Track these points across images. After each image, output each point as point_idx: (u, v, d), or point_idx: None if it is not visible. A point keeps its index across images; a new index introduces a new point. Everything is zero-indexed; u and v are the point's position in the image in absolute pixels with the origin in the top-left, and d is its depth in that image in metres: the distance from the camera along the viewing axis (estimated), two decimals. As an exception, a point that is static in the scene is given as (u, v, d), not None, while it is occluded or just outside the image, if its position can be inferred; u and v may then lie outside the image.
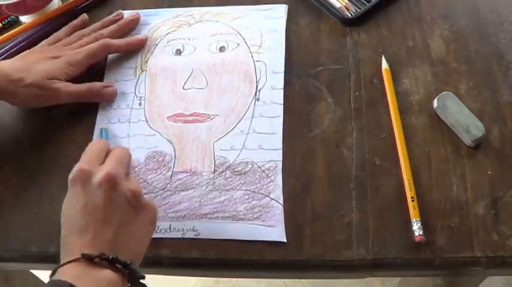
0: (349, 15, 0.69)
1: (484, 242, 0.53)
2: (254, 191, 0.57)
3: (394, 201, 0.56)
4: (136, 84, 0.66)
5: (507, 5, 0.69)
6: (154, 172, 0.59)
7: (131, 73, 0.67)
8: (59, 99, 0.62)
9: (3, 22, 0.72)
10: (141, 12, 0.72)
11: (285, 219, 0.55)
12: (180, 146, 0.61)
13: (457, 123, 0.59)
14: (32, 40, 0.69)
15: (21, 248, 0.56)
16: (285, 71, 0.64)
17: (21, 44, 0.69)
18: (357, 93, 0.63)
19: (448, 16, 0.69)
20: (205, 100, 0.63)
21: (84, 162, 0.49)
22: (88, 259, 0.44)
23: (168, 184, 0.58)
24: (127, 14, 0.71)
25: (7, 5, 0.66)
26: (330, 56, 0.66)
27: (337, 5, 0.70)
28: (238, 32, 0.68)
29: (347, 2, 0.70)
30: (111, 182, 0.47)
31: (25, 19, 0.72)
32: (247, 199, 0.56)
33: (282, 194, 0.56)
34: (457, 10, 0.69)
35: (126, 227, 0.47)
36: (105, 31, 0.67)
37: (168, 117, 0.63)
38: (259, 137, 0.60)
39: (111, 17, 0.70)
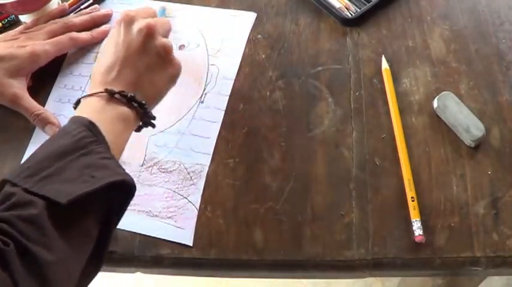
0: (349, 15, 0.69)
1: (484, 242, 0.53)
2: (174, 191, 0.57)
3: (394, 201, 0.56)
4: None
5: (507, 5, 0.69)
6: None
7: (92, 57, 0.68)
8: (4, 102, 0.62)
9: (3, 22, 0.72)
10: None
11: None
12: None
13: (457, 123, 0.59)
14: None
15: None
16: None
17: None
18: (357, 93, 0.63)
19: (448, 16, 0.69)
20: None
21: (131, 10, 0.54)
22: (110, 94, 0.49)
23: None
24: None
25: (11, 3, 0.65)
26: (330, 56, 0.66)
27: (337, 5, 0.70)
28: (201, 33, 0.69)
29: (347, 2, 0.70)
30: (150, 32, 0.52)
31: (24, 18, 0.72)
32: (166, 197, 0.57)
33: (200, 198, 0.57)
34: (457, 10, 0.69)
35: (149, 75, 0.52)
36: (77, 20, 0.69)
37: None
38: (193, 139, 0.60)
39: (87, 10, 0.72)
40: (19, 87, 0.61)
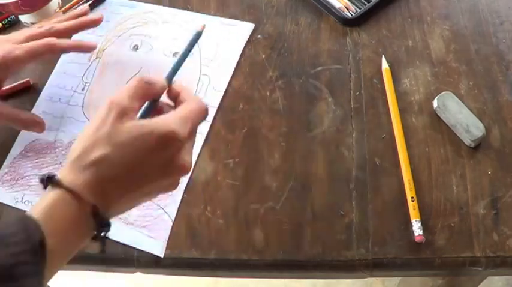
0: (349, 15, 0.69)
1: (484, 242, 0.53)
2: (152, 201, 0.56)
3: (394, 201, 0.56)
4: (87, 69, 0.67)
5: (507, 5, 0.69)
6: None
7: (86, 58, 0.68)
8: None
9: (3, 22, 0.72)
10: (116, 0, 0.73)
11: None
12: None
13: (457, 123, 0.59)
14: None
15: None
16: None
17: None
18: (357, 93, 0.63)
19: (448, 16, 0.69)
20: None
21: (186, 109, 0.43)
22: (77, 197, 0.38)
23: None
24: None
25: (13, 2, 0.65)
26: (330, 56, 0.66)
27: (337, 5, 0.70)
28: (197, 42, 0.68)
29: (347, 2, 0.70)
30: (171, 143, 0.40)
31: (24, 18, 0.72)
32: (143, 206, 0.55)
33: (177, 210, 0.56)
34: (457, 10, 0.69)
35: (145, 189, 0.41)
36: (60, 26, 0.63)
37: None
38: None
39: (77, 11, 0.68)
40: None
